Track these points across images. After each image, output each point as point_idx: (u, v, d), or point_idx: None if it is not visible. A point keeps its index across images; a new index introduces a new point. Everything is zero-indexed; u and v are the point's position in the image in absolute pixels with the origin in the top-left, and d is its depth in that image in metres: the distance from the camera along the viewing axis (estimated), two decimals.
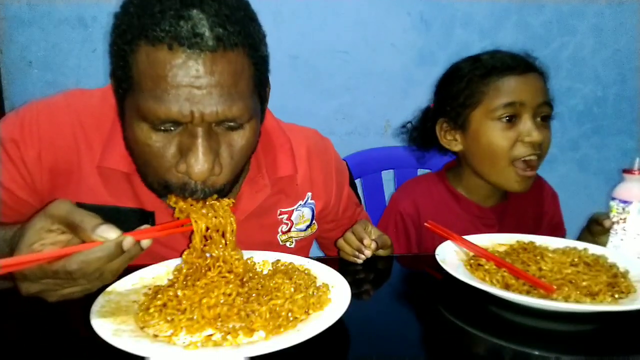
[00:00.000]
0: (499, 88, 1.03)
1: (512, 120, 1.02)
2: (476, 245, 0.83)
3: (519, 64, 1.04)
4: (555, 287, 0.70)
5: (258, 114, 0.76)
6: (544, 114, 1.04)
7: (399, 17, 1.71)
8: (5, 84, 1.59)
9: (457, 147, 1.12)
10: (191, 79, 0.64)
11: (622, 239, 0.91)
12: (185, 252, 0.71)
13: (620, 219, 0.91)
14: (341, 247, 0.92)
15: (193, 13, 0.64)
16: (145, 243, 0.60)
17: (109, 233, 0.56)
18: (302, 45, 1.68)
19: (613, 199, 0.93)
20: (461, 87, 1.07)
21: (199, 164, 0.67)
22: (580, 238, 1.05)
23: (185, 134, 0.68)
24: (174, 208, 0.75)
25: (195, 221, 0.70)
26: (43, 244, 0.57)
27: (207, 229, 0.71)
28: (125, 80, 0.69)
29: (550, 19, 1.77)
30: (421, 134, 1.22)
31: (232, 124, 0.70)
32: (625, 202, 0.91)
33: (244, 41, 0.68)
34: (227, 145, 0.72)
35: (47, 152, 0.79)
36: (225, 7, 0.67)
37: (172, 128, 0.68)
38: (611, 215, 0.92)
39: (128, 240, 0.57)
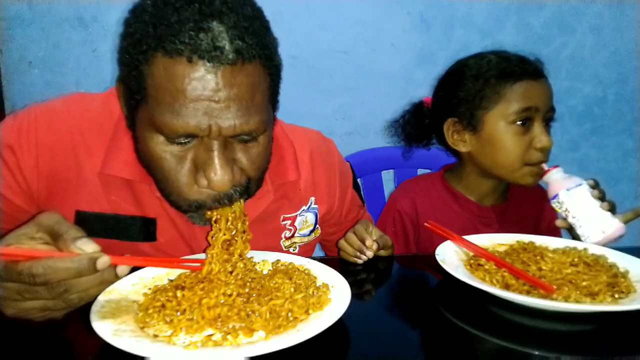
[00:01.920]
0: (516, 92, 1.03)
1: (526, 124, 1.03)
2: (476, 245, 0.83)
3: (534, 69, 1.05)
4: (555, 287, 0.70)
5: (272, 123, 0.76)
6: (550, 118, 1.07)
7: (399, 17, 1.71)
8: (5, 84, 1.59)
9: (464, 147, 1.11)
10: (210, 93, 0.63)
11: (581, 226, 0.94)
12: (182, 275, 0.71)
13: (565, 213, 0.96)
14: (342, 248, 0.92)
15: (213, 25, 0.63)
16: (122, 270, 0.57)
17: (87, 246, 0.54)
18: (302, 45, 1.68)
19: (550, 202, 0.99)
20: (476, 88, 1.06)
21: (218, 176, 0.66)
22: None
23: (200, 147, 0.67)
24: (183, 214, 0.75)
25: (210, 263, 0.71)
26: (19, 248, 0.55)
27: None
28: (139, 91, 0.67)
29: (550, 18, 1.77)
30: (416, 130, 1.21)
31: (247, 137, 0.69)
32: (555, 197, 0.97)
33: (261, 52, 0.67)
34: (243, 152, 0.71)
35: (45, 158, 0.78)
36: (243, 18, 0.65)
37: (187, 141, 0.67)
38: (558, 216, 0.97)
39: (103, 260, 0.54)
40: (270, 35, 0.72)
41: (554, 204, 0.98)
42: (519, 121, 1.02)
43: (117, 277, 0.57)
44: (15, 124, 0.79)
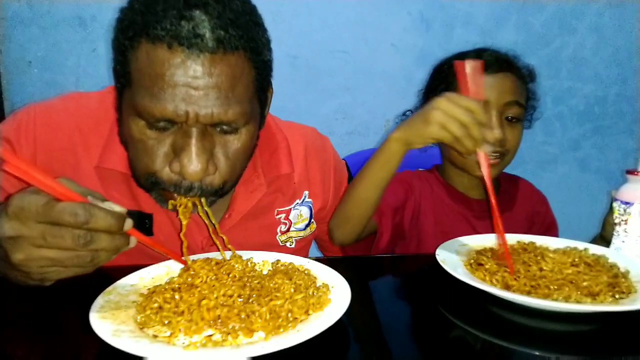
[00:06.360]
0: None
1: None
2: None
3: (492, 63, 1.06)
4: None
5: (257, 118, 0.76)
6: (513, 114, 1.06)
7: (399, 17, 1.71)
8: (5, 83, 1.59)
9: None
10: (188, 79, 0.64)
11: (623, 241, 0.89)
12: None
13: (622, 220, 0.89)
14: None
15: (195, 14, 0.65)
16: (132, 241, 0.60)
17: (116, 207, 0.57)
18: (302, 45, 1.68)
19: (615, 200, 0.91)
20: (438, 79, 1.13)
21: (192, 164, 0.67)
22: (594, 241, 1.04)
23: (179, 134, 0.68)
24: (175, 210, 0.75)
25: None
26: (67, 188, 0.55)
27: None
28: (124, 75, 0.69)
29: (551, 18, 1.77)
30: None
31: (227, 127, 0.70)
32: (627, 203, 0.88)
33: (246, 45, 0.68)
34: (222, 146, 0.72)
35: (43, 153, 0.79)
36: (230, 10, 0.67)
37: (166, 127, 0.68)
38: (613, 216, 0.91)
39: (129, 222, 0.58)
40: (260, 31, 0.73)
41: (616, 204, 0.90)
42: None
43: (127, 245, 0.59)
44: (15, 120, 0.80)
